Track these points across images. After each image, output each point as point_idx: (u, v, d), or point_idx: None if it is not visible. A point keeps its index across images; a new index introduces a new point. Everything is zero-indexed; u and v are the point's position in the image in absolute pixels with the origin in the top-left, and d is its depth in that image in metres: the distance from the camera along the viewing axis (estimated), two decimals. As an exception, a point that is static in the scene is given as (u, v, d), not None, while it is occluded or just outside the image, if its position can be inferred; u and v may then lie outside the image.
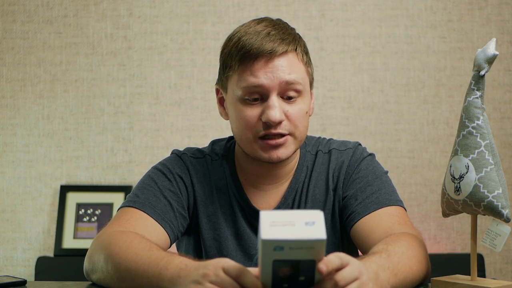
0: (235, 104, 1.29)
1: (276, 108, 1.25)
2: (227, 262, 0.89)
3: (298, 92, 1.28)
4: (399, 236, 1.18)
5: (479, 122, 1.08)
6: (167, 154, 1.47)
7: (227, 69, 1.30)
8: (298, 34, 1.34)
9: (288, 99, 1.27)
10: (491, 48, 1.06)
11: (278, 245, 0.80)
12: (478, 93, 1.08)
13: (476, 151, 1.07)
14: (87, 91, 2.56)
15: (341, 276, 0.86)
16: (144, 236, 1.18)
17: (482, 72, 1.07)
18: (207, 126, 2.54)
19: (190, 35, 2.56)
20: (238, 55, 1.27)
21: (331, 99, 2.53)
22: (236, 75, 1.28)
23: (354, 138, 2.50)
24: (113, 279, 1.12)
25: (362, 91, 2.54)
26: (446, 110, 2.53)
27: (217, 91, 1.37)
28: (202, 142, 2.45)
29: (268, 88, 1.25)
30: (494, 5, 2.54)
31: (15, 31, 2.57)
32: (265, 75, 1.25)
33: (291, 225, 0.81)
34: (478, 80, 1.08)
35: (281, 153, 1.28)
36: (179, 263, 0.98)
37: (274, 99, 1.25)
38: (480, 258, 2.38)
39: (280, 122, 1.26)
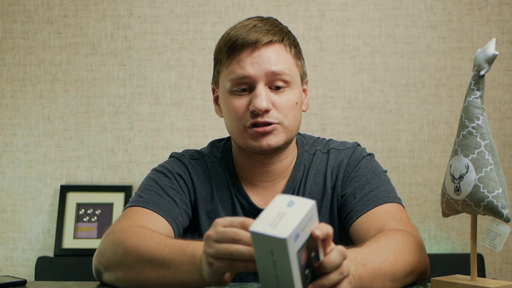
0: (225, 97, 1.32)
1: (262, 97, 1.27)
2: (220, 219, 0.93)
3: (286, 82, 1.30)
4: (386, 232, 1.17)
5: (479, 122, 1.07)
6: (167, 154, 1.48)
7: (218, 63, 1.35)
8: (287, 29, 1.36)
9: (276, 89, 1.30)
10: (491, 48, 1.06)
11: (296, 233, 0.81)
12: (478, 93, 1.08)
13: (476, 151, 1.07)
14: (87, 91, 2.56)
15: (346, 267, 0.89)
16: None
17: (482, 72, 1.07)
18: (207, 126, 2.54)
19: (190, 35, 2.56)
20: (225, 48, 1.31)
21: (331, 99, 2.53)
22: (225, 68, 1.32)
23: (354, 138, 2.50)
24: (135, 272, 1.10)
25: (362, 91, 2.54)
26: (446, 110, 2.53)
27: (213, 91, 1.41)
28: (202, 142, 2.45)
29: (254, 78, 1.28)
30: (494, 5, 2.54)
31: (15, 31, 2.57)
32: (252, 66, 1.28)
33: (284, 214, 0.83)
34: (478, 80, 1.08)
35: (271, 140, 1.29)
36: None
37: (261, 88, 1.28)
38: (480, 258, 2.38)
39: (267, 111, 1.28)
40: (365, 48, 2.54)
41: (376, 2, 2.55)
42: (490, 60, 1.06)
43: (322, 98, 2.53)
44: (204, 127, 2.54)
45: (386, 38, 2.54)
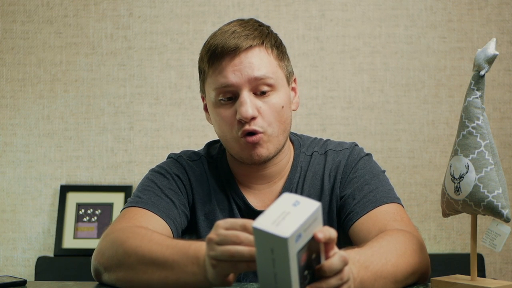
0: (213, 107, 1.31)
1: (247, 104, 1.25)
2: (221, 221, 0.93)
3: (271, 86, 1.28)
4: (387, 233, 1.17)
5: (479, 122, 1.07)
6: (167, 154, 1.48)
7: (202, 73, 1.34)
8: (269, 30, 1.34)
9: (262, 94, 1.28)
10: (491, 48, 1.06)
11: (298, 233, 0.81)
12: (478, 93, 1.08)
13: (476, 151, 1.07)
14: (87, 91, 2.56)
15: (347, 273, 0.90)
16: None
17: (482, 72, 1.07)
18: (207, 126, 2.54)
19: (190, 35, 2.56)
20: (207, 57, 1.29)
21: (331, 99, 2.53)
22: (208, 77, 1.30)
23: (354, 138, 2.50)
24: (136, 272, 1.10)
25: (362, 91, 2.54)
26: (446, 110, 2.53)
27: (202, 99, 1.40)
28: (202, 142, 2.44)
29: (237, 86, 1.26)
30: (494, 5, 2.54)
31: (15, 31, 2.57)
32: (233, 73, 1.26)
33: (289, 214, 0.82)
34: (478, 80, 1.08)
35: (260, 151, 1.28)
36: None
37: (245, 95, 1.26)
38: (480, 258, 2.38)
39: (254, 118, 1.26)
40: (365, 48, 2.54)
41: (376, 2, 2.55)
42: (490, 60, 1.06)
43: (322, 98, 2.53)
44: (204, 127, 2.54)
45: (386, 38, 2.54)
